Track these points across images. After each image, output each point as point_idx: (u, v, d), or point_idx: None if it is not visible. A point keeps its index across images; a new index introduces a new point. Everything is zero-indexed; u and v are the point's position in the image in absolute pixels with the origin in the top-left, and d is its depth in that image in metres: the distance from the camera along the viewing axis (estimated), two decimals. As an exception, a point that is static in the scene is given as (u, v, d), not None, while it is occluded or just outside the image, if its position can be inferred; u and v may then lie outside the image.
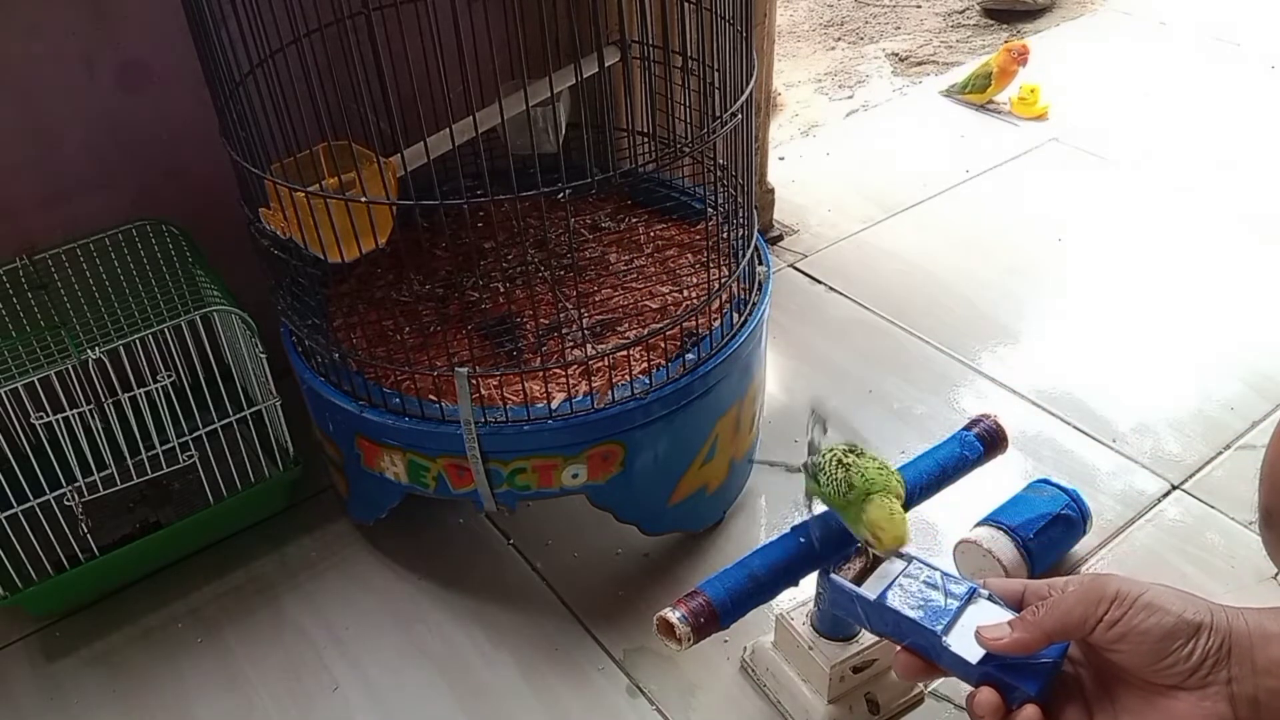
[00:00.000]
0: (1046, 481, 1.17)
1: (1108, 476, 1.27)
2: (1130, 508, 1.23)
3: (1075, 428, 1.34)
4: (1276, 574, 1.10)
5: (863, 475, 0.85)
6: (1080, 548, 1.17)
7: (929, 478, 0.97)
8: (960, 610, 0.72)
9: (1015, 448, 1.28)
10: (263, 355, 1.14)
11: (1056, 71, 2.17)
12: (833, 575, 0.80)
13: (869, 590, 0.77)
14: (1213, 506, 1.22)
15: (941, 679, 1.05)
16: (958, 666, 0.70)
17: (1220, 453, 1.30)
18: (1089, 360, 1.46)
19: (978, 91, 2.08)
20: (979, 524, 1.13)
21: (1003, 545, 1.09)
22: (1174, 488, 1.25)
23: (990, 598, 0.71)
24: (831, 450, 0.89)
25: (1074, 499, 1.14)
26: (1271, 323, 1.51)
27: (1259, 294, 1.57)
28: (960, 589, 0.74)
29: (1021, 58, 2.03)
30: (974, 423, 1.01)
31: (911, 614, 0.73)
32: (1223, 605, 0.60)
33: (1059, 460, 1.30)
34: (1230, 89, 2.16)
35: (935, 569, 0.77)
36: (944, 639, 0.70)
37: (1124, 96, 2.15)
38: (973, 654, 0.68)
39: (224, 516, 1.21)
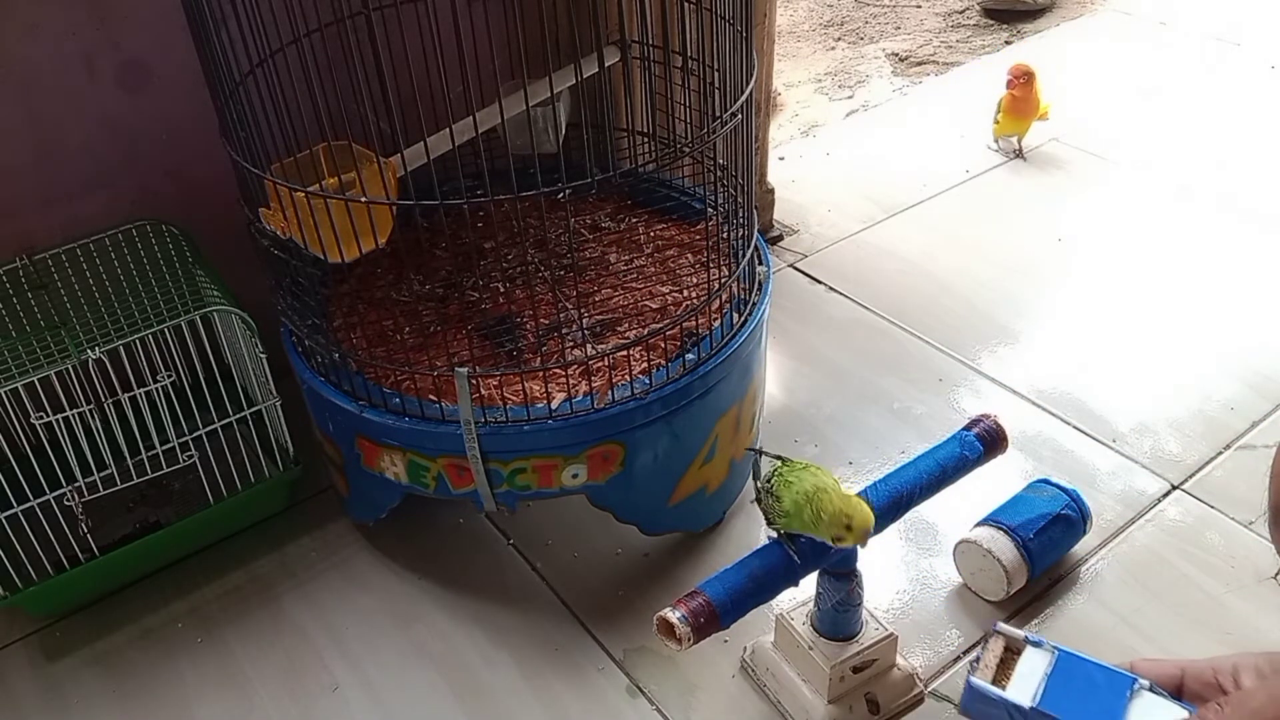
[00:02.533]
0: (1046, 481, 1.17)
1: (1108, 476, 1.27)
2: (1130, 508, 1.23)
3: (1075, 428, 1.34)
4: (1277, 574, 1.10)
5: (787, 484, 0.85)
6: (1080, 548, 1.17)
7: (929, 478, 0.97)
8: (1126, 709, 0.65)
9: (1015, 448, 1.28)
10: (263, 355, 1.14)
11: (1056, 72, 2.16)
12: (973, 680, 0.71)
13: (1020, 695, 0.68)
14: (1213, 506, 1.22)
15: (942, 679, 1.05)
16: None
17: (1220, 453, 1.30)
18: (1089, 360, 1.46)
19: (996, 122, 1.94)
20: (979, 524, 1.13)
21: (1003, 545, 1.09)
22: (1174, 488, 1.25)
23: (1151, 688, 0.65)
24: (761, 484, 0.89)
25: (1074, 499, 1.14)
26: (1271, 323, 1.51)
27: (1259, 294, 1.57)
28: (1119, 682, 0.66)
29: (1012, 81, 1.89)
30: (974, 423, 1.01)
31: None
32: None
33: (1059, 460, 1.30)
34: (1230, 89, 2.16)
35: (1085, 659, 0.69)
36: None
37: (1124, 96, 2.15)
38: None
39: (224, 516, 1.21)
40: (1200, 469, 1.28)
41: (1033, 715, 0.67)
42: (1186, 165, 1.90)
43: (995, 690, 0.69)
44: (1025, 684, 0.69)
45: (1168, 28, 2.44)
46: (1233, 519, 1.20)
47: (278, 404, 1.19)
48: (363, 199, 0.94)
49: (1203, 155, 1.93)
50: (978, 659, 0.72)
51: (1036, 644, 0.71)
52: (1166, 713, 0.63)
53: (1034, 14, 2.62)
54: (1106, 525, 1.20)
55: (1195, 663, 0.65)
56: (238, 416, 1.17)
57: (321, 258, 1.00)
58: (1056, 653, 0.70)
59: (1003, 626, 0.72)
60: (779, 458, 0.92)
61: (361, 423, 1.05)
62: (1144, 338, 1.50)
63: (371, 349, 1.08)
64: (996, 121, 1.93)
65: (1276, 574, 1.11)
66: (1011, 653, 0.72)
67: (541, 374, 1.05)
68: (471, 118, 0.94)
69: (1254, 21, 2.42)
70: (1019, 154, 1.94)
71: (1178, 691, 0.65)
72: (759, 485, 0.92)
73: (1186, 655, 0.66)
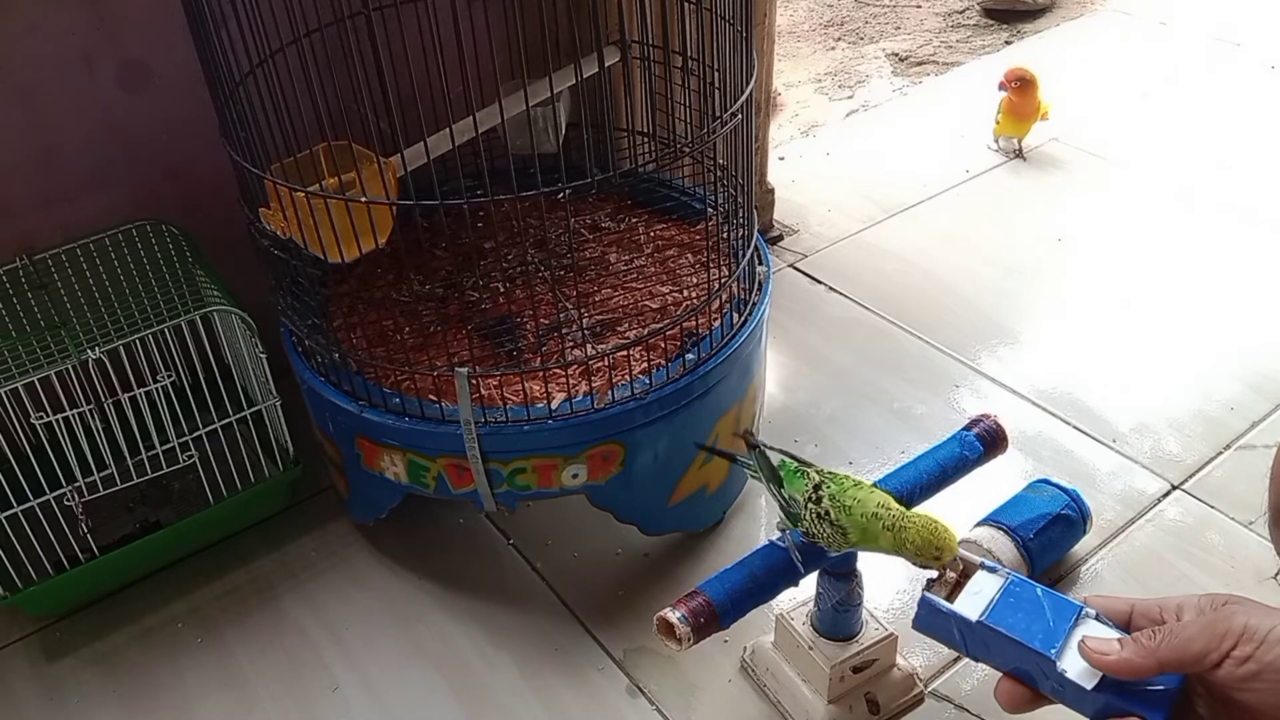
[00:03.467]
0: (1046, 481, 1.17)
1: (1108, 476, 1.27)
2: (1130, 508, 1.23)
3: (1075, 428, 1.34)
4: (1277, 574, 1.10)
5: (848, 513, 0.81)
6: (1080, 548, 1.17)
7: (929, 478, 0.97)
8: (1070, 631, 0.65)
9: (1015, 447, 1.28)
10: (263, 355, 1.14)
11: (1057, 72, 2.16)
12: (926, 594, 0.72)
13: (967, 610, 0.69)
14: (1213, 506, 1.22)
15: (943, 679, 1.05)
16: (1072, 694, 0.64)
17: (1220, 453, 1.30)
18: (1089, 360, 1.46)
19: (996, 123, 1.94)
20: (979, 524, 1.13)
21: (1003, 545, 1.09)
22: (1174, 488, 1.25)
23: (1098, 617, 0.66)
24: (805, 503, 0.85)
25: (1074, 499, 1.14)
26: (1272, 322, 1.51)
27: (1259, 294, 1.57)
28: (1066, 608, 0.67)
29: (1005, 83, 1.88)
30: (974, 423, 1.01)
31: (1019, 637, 0.66)
32: None
33: (1059, 460, 1.30)
34: (1230, 89, 2.16)
35: (1035, 585, 0.70)
36: (1058, 664, 0.64)
37: (1124, 96, 2.15)
38: (1087, 680, 0.62)
39: (224, 516, 1.21)
40: (1200, 469, 1.28)
41: (978, 628, 0.69)
42: (1187, 165, 1.90)
43: (945, 604, 0.71)
44: (974, 601, 0.70)
45: (1168, 27, 2.44)
46: (1233, 519, 1.20)
47: (278, 404, 1.19)
48: (363, 199, 0.94)
49: (1203, 155, 1.93)
50: (935, 577, 0.74)
51: (991, 569, 0.73)
52: (1107, 635, 0.64)
53: (1034, 14, 2.62)
54: (1106, 525, 1.20)
55: (1145, 600, 0.65)
56: (238, 416, 1.17)
57: (321, 258, 1.00)
58: (1010, 577, 0.71)
59: (962, 552, 0.73)
60: (788, 456, 0.90)
61: (361, 423, 1.05)
62: (1144, 337, 1.50)
63: (371, 349, 1.08)
64: (997, 122, 1.93)
65: (1277, 574, 1.11)
66: (969, 574, 0.73)
67: (541, 374, 1.05)
68: (471, 118, 0.94)
69: (1253, 21, 2.42)
70: (1019, 154, 1.94)
71: (1126, 625, 0.65)
72: (787, 498, 0.87)
73: (1141, 598, 0.67)
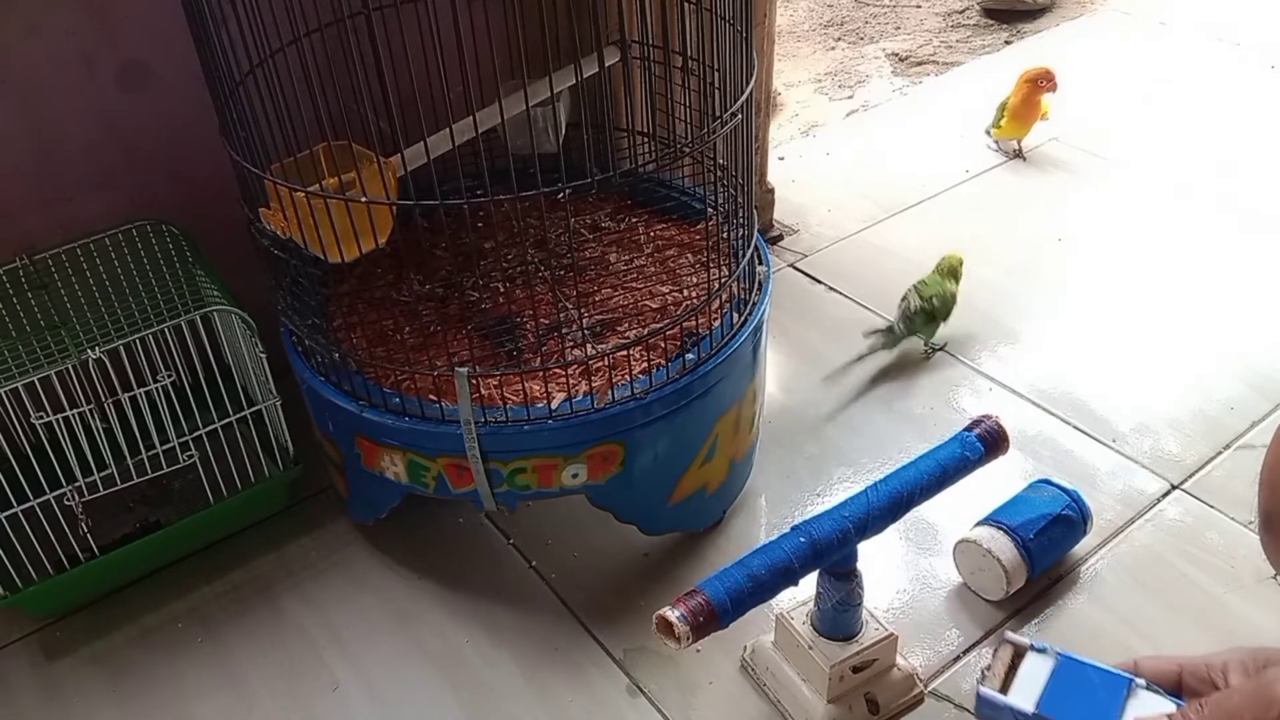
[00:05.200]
0: (1047, 482, 1.17)
1: (1108, 476, 1.27)
2: (1130, 507, 1.23)
3: (1075, 428, 1.34)
4: (1276, 575, 1.10)
5: (927, 295, 1.44)
6: (1080, 547, 1.17)
7: (930, 478, 0.97)
8: (1122, 708, 0.67)
9: (1016, 448, 1.27)
10: (263, 355, 1.14)
11: (1057, 71, 2.16)
12: (981, 689, 0.73)
13: (1022, 701, 0.71)
14: (1212, 506, 1.22)
15: (942, 679, 1.05)
16: None
17: (1220, 452, 1.30)
18: (1089, 360, 1.46)
19: (997, 126, 1.93)
20: (979, 524, 1.13)
21: (1003, 545, 1.09)
22: (1174, 487, 1.25)
23: (1148, 686, 0.67)
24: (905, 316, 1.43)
25: (1074, 499, 1.14)
26: (1271, 322, 1.51)
27: (1259, 293, 1.57)
28: (1116, 683, 0.68)
29: (1048, 85, 1.87)
30: (975, 423, 1.01)
31: None
32: None
33: (1059, 460, 1.30)
34: (1230, 89, 2.16)
35: (1085, 661, 0.72)
36: None
37: (1124, 96, 2.15)
38: None
39: (224, 516, 1.21)
40: (1200, 469, 1.28)
41: (1035, 718, 0.69)
42: (1186, 165, 1.90)
43: (1000, 696, 0.72)
44: (1028, 689, 0.71)
45: (1167, 27, 2.44)
46: (1232, 519, 1.20)
47: (278, 404, 1.19)
48: (363, 199, 0.94)
49: (1202, 155, 1.93)
50: (988, 666, 0.74)
51: (1040, 650, 0.73)
52: (1161, 707, 0.65)
53: (1034, 14, 2.62)
54: (1106, 525, 1.20)
55: (1192, 659, 0.66)
56: (238, 416, 1.17)
57: (321, 257, 1.00)
58: (1059, 658, 0.72)
59: (1010, 635, 0.74)
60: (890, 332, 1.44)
61: (361, 422, 1.05)
62: (1144, 337, 1.50)
63: (371, 349, 1.08)
64: (999, 126, 1.93)
65: (1276, 575, 1.11)
66: (1019, 659, 0.74)
67: (541, 374, 1.05)
68: (472, 118, 0.94)
69: (1253, 21, 2.42)
70: (1019, 154, 1.94)
71: (1177, 688, 0.66)
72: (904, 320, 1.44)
73: (1187, 655, 0.67)
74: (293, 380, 1.15)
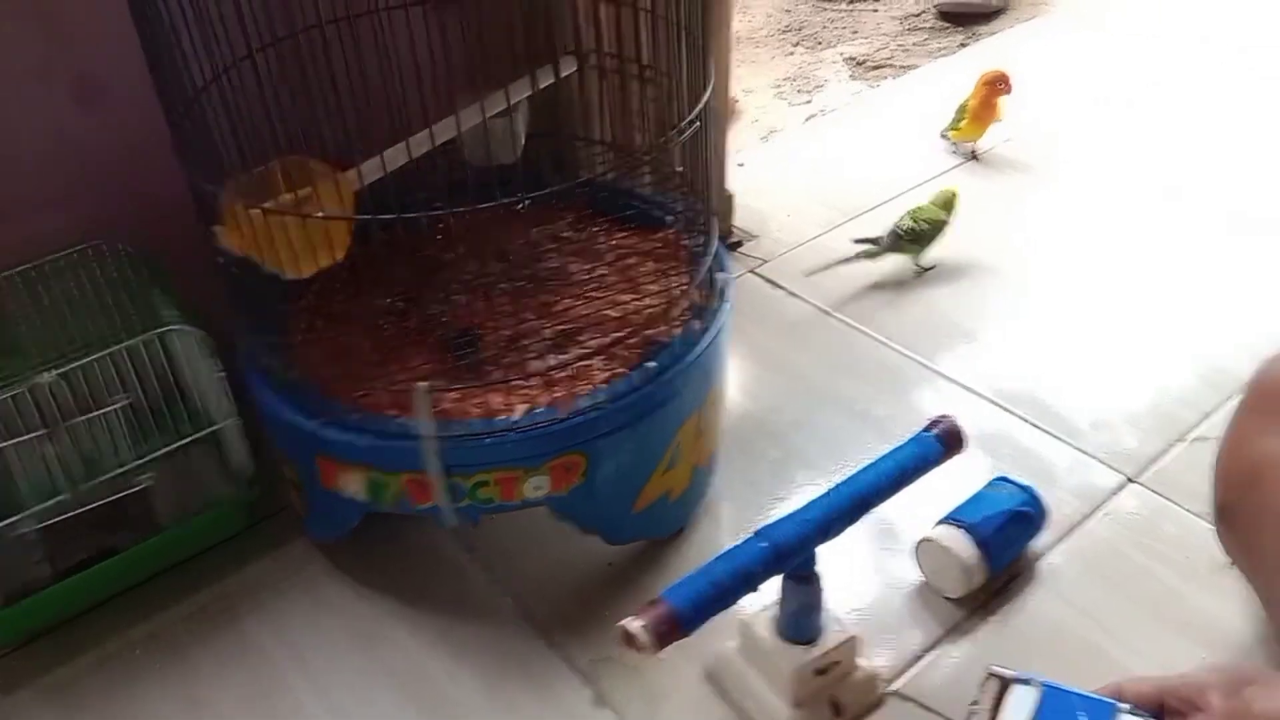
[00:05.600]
0: (1004, 479, 1.19)
1: (1065, 472, 1.29)
2: (1087, 502, 1.24)
3: (1033, 425, 1.36)
4: (1230, 563, 1.12)
5: (918, 219, 1.62)
6: (1039, 543, 1.18)
7: (889, 479, 0.98)
8: None
9: (974, 446, 1.29)
10: (220, 374, 1.14)
11: (1011, 73, 2.19)
12: None
13: None
14: (1168, 498, 1.24)
15: (905, 679, 1.06)
16: None
17: (1173, 445, 1.32)
18: (1046, 358, 1.48)
19: (955, 128, 1.96)
20: (939, 523, 1.15)
21: (962, 543, 1.10)
22: (1129, 481, 1.27)
23: (1132, 710, 0.68)
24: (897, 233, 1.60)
25: (1031, 495, 1.16)
26: (1222, 315, 1.54)
27: (1209, 287, 1.60)
28: (1101, 710, 0.69)
29: (1004, 87, 1.92)
30: (933, 423, 1.02)
31: None
32: None
33: (1017, 457, 1.31)
34: (1180, 88, 2.20)
35: (1069, 690, 0.72)
36: None
37: (1077, 97, 2.18)
38: None
39: (183, 539, 1.20)
40: (1154, 461, 1.30)
41: None
42: (1138, 164, 1.93)
43: None
44: None
45: (1120, 28, 2.48)
46: (1187, 510, 1.22)
47: (236, 423, 1.18)
48: (319, 214, 0.94)
49: (1154, 154, 1.96)
50: (975, 701, 0.74)
51: (1025, 681, 0.74)
52: None
53: (988, 16, 2.66)
54: (1064, 520, 1.22)
55: (1171, 680, 0.68)
56: (195, 437, 1.16)
57: (279, 274, 0.99)
58: (1044, 688, 0.73)
59: (996, 668, 0.74)
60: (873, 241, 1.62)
61: (320, 441, 1.04)
62: (1099, 334, 1.52)
63: (330, 365, 1.07)
64: (957, 128, 1.95)
65: (1230, 563, 1.13)
66: (1005, 692, 0.74)
67: (503, 386, 1.05)
68: (428, 131, 0.94)
69: (1201, 20, 2.46)
70: (974, 156, 1.96)
71: (1159, 710, 0.68)
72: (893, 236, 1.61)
73: (1166, 676, 0.68)
74: (250, 399, 1.14)
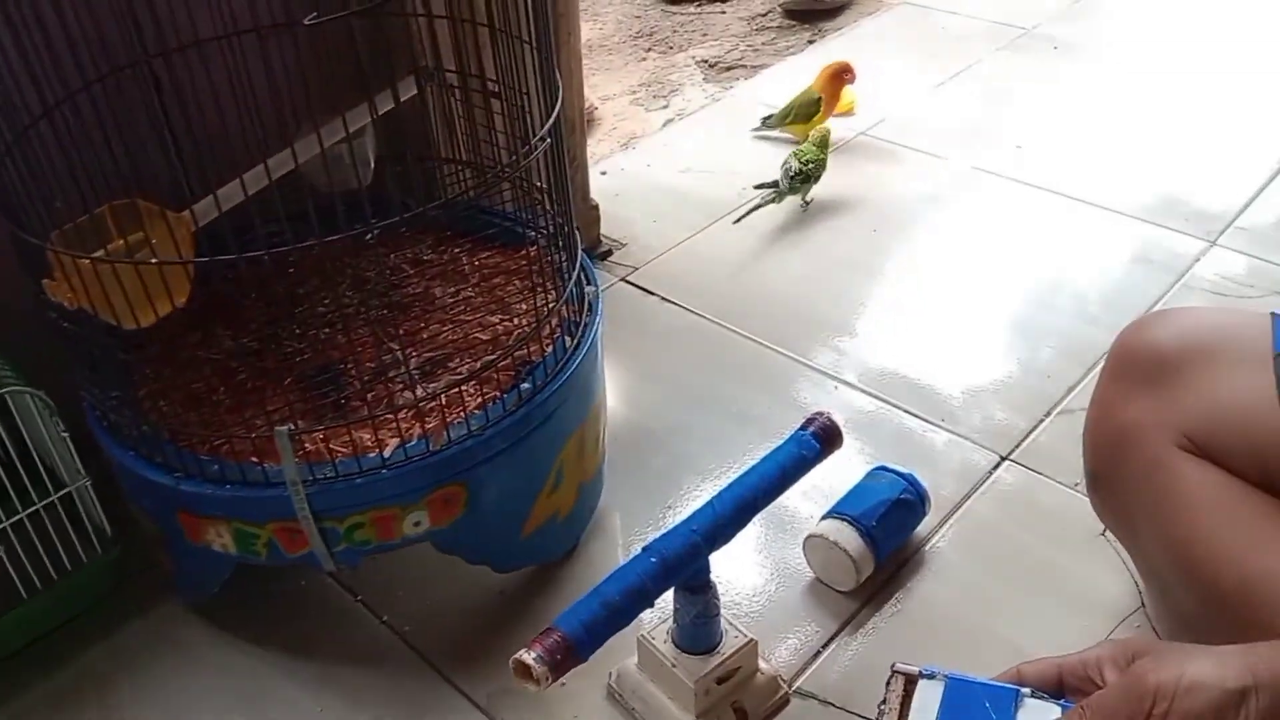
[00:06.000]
0: (884, 468, 1.20)
1: (942, 455, 1.32)
2: (965, 483, 1.27)
3: (907, 411, 1.39)
4: (1103, 531, 1.16)
5: (803, 160, 1.80)
6: (923, 527, 1.21)
7: (771, 481, 0.98)
8: None
9: (852, 438, 1.31)
10: (65, 435, 1.06)
11: (860, 67, 2.24)
12: None
13: None
14: (1040, 473, 1.28)
15: (805, 676, 1.06)
16: None
17: (1042, 420, 1.36)
18: (914, 344, 1.51)
19: (802, 121, 1.97)
20: (824, 517, 1.15)
21: (848, 536, 1.11)
22: (1003, 459, 1.31)
23: (1033, 694, 0.69)
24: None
25: (910, 482, 1.17)
26: (1073, 288, 1.60)
27: (1059, 262, 1.67)
28: (1004, 697, 0.70)
29: (849, 76, 1.98)
30: (809, 421, 1.03)
31: None
32: (1256, 650, 0.61)
33: (895, 445, 1.33)
34: (1019, 74, 2.29)
35: (972, 681, 0.72)
36: None
37: (922, 86, 2.24)
38: None
39: (42, 610, 1.12)
40: (1025, 438, 1.34)
41: None
42: (983, 147, 1.99)
43: None
44: (923, 717, 0.72)
45: (959, 17, 2.56)
46: (1060, 483, 1.26)
47: (87, 484, 1.11)
48: (153, 260, 0.89)
49: (998, 137, 2.03)
50: (883, 701, 0.74)
51: (929, 675, 0.74)
52: (1048, 713, 0.67)
53: (832, 12, 2.71)
54: (945, 502, 1.24)
55: (1069, 659, 0.69)
56: (45, 502, 1.08)
57: (116, 325, 0.94)
58: (947, 680, 0.73)
59: (900, 665, 0.74)
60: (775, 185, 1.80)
61: (180, 496, 0.99)
62: (961, 317, 1.56)
63: (183, 415, 1.01)
64: (791, 122, 1.98)
65: (1104, 531, 1.17)
66: (911, 687, 0.74)
67: (370, 422, 1.01)
68: (263, 165, 0.90)
69: (1036, 7, 2.56)
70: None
71: (1059, 690, 0.69)
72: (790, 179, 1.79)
73: (1064, 656, 0.69)
74: (103, 456, 1.07)
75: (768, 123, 2.06)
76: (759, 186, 1.84)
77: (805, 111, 1.97)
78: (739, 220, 1.79)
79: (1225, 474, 0.80)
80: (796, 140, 1.98)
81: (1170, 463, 0.82)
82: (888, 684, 0.74)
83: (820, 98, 1.96)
